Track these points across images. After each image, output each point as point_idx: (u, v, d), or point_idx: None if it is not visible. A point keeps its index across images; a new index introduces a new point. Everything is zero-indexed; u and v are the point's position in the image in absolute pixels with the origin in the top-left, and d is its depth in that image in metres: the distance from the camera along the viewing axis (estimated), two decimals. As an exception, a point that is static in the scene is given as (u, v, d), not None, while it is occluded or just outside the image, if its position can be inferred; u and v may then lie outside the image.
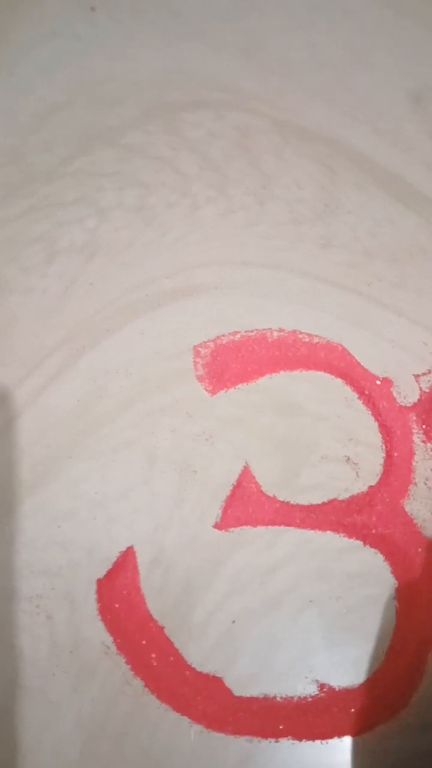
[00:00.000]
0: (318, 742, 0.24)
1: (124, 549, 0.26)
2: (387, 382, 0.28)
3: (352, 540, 0.27)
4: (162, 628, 0.25)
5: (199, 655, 0.25)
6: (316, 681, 0.25)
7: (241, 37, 0.35)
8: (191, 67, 0.34)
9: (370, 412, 0.28)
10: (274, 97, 0.34)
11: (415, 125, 0.34)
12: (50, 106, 0.33)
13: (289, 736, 0.24)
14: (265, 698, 0.25)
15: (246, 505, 0.27)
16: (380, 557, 0.26)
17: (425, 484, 0.27)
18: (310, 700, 0.25)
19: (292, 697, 0.25)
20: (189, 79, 0.34)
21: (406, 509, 0.27)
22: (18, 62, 0.34)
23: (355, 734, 0.25)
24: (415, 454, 0.28)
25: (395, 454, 0.28)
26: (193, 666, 0.25)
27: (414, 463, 0.28)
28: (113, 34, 0.35)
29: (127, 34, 0.35)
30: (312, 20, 0.36)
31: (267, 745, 0.24)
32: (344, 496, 0.27)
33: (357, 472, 0.27)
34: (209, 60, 0.35)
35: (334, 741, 0.25)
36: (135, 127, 0.33)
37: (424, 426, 0.28)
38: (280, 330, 0.29)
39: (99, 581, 0.25)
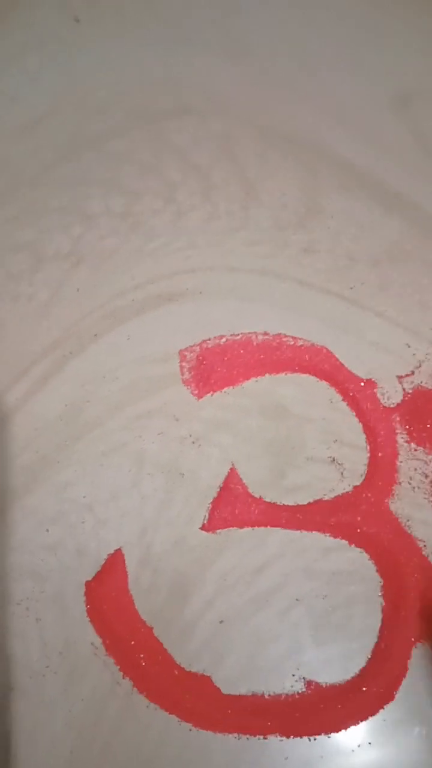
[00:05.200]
0: (306, 738, 0.25)
1: (112, 551, 0.26)
2: (371, 383, 0.29)
3: (337, 539, 0.27)
4: (150, 629, 0.25)
5: (188, 655, 0.25)
6: (304, 678, 0.25)
7: (226, 44, 0.36)
8: (176, 74, 0.35)
9: (354, 414, 0.29)
10: (258, 103, 0.34)
11: (399, 130, 0.34)
12: (37, 113, 0.34)
13: (277, 733, 0.25)
14: (253, 696, 0.25)
15: (233, 506, 0.27)
16: (365, 556, 0.27)
17: (409, 483, 0.28)
18: (297, 697, 0.25)
19: (279, 695, 0.25)
20: (174, 86, 0.34)
21: (391, 508, 0.27)
22: (5, 71, 0.34)
23: (343, 730, 0.25)
24: (399, 454, 0.28)
25: (379, 454, 0.28)
26: (181, 665, 0.25)
27: (398, 463, 0.28)
28: (99, 42, 0.35)
29: (113, 43, 0.35)
30: (297, 27, 0.36)
31: (255, 742, 0.25)
32: (329, 496, 0.28)
33: (342, 473, 0.28)
34: (194, 67, 0.35)
35: (322, 737, 0.25)
36: (120, 134, 0.33)
37: (407, 426, 0.29)
38: (265, 333, 0.29)
39: (88, 583, 0.26)
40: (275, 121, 0.34)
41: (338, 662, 0.26)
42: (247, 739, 0.25)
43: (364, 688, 0.25)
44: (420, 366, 0.29)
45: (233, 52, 0.35)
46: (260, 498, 0.27)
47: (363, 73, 0.36)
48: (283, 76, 0.35)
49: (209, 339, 0.29)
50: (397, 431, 0.28)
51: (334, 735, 0.25)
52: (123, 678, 0.25)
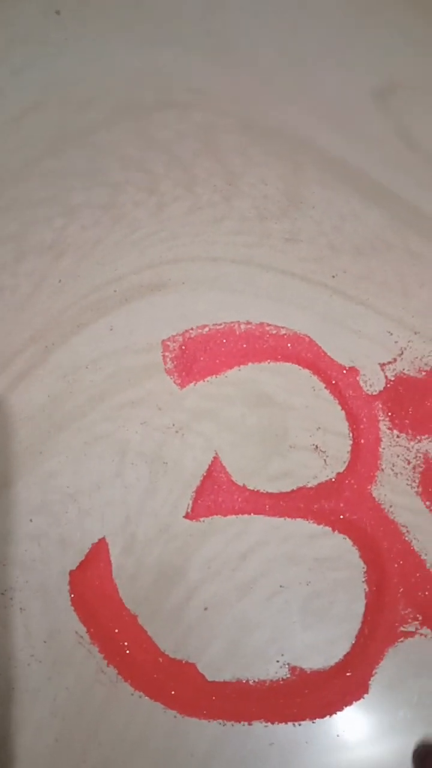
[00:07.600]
0: (291, 724, 0.25)
1: (96, 540, 0.26)
2: (353, 371, 0.29)
3: (321, 526, 0.27)
4: (135, 617, 0.26)
5: (173, 642, 0.25)
6: (288, 664, 0.26)
7: (208, 39, 0.36)
8: (159, 69, 0.35)
9: (337, 401, 0.29)
10: (240, 97, 0.34)
11: (379, 122, 0.34)
12: (21, 108, 0.34)
13: (262, 719, 0.25)
14: (238, 682, 0.25)
15: (216, 494, 0.27)
16: (349, 542, 0.27)
17: (392, 470, 0.28)
18: (282, 683, 0.25)
19: (264, 681, 0.25)
20: (157, 80, 0.34)
21: (374, 495, 0.28)
22: (-12, 66, 0.34)
23: (327, 715, 0.25)
24: (381, 440, 0.28)
25: (362, 441, 0.28)
26: (166, 653, 0.25)
27: (381, 450, 0.28)
28: (82, 37, 0.36)
29: (96, 38, 0.36)
30: (278, 22, 0.37)
31: (240, 728, 0.25)
32: (313, 483, 0.28)
33: (325, 460, 0.28)
34: (177, 61, 0.35)
35: (307, 722, 0.25)
36: (103, 128, 0.33)
37: (390, 413, 0.29)
38: (248, 323, 0.30)
39: (72, 572, 0.26)
40: (258, 115, 0.34)
41: (323, 648, 0.26)
42: (232, 725, 0.25)
43: (348, 673, 0.25)
44: (402, 353, 0.29)
45: (216, 47, 0.36)
46: (243, 486, 0.27)
47: (345, 67, 0.36)
48: (266, 71, 0.35)
49: (192, 329, 0.29)
50: (380, 418, 0.28)
51: (319, 720, 0.25)
52: (107, 666, 0.25)
